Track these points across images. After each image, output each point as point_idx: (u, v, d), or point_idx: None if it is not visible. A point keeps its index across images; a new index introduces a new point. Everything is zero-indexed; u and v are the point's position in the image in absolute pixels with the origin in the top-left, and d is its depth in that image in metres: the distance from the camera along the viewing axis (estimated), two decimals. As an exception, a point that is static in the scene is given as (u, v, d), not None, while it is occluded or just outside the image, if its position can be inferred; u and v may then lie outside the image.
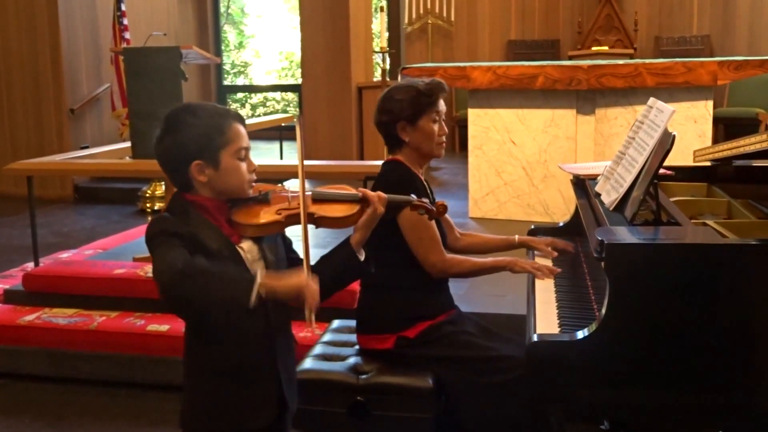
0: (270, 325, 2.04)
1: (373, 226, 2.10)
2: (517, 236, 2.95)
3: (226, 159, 1.98)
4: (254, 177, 2.06)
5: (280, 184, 2.18)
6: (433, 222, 2.64)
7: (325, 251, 2.16)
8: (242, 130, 2.02)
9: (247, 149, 2.03)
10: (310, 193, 2.06)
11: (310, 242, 1.96)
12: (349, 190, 2.12)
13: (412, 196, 2.25)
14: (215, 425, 2.06)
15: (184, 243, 1.88)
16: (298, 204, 1.98)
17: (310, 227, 2.00)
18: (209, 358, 2.03)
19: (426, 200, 2.28)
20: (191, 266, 1.82)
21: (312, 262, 1.98)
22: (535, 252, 2.93)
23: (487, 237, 3.01)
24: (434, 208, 2.27)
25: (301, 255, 1.99)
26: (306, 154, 8.66)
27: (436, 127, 2.69)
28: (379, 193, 2.10)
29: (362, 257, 2.11)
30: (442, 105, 2.71)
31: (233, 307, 1.83)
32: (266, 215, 2.00)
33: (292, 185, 2.14)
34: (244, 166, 2.01)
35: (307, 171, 2.09)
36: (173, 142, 1.97)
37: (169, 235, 1.89)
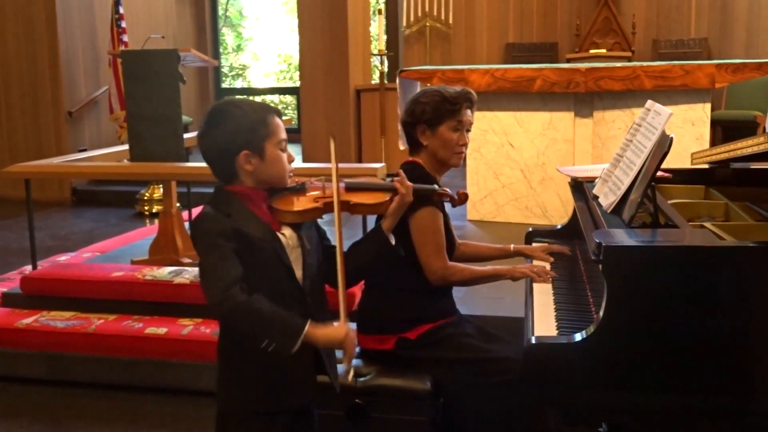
0: (308, 309, 2.13)
1: (402, 212, 2.29)
2: (512, 245, 2.94)
3: (270, 149, 2.11)
4: (292, 167, 2.19)
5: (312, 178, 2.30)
6: (443, 229, 2.64)
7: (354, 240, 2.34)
8: (281, 122, 2.16)
9: (286, 141, 2.17)
10: (343, 184, 2.23)
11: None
12: (378, 181, 2.35)
13: (435, 186, 2.47)
14: (254, 403, 2.14)
15: (231, 242, 2.01)
16: (332, 193, 2.14)
17: (345, 214, 2.18)
18: (248, 339, 2.09)
19: (448, 189, 2.51)
20: (247, 304, 1.96)
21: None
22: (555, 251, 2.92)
23: (482, 246, 3.00)
24: (456, 197, 2.53)
25: (334, 242, 2.17)
26: (304, 157, 8.62)
27: (456, 135, 2.67)
28: (407, 182, 2.29)
29: (393, 241, 2.28)
30: (467, 115, 2.69)
31: (275, 350, 1.97)
32: (305, 203, 2.15)
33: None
34: (285, 156, 2.15)
35: (306, 172, 2.20)
36: (222, 134, 2.09)
37: (216, 235, 2.02)
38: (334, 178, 2.15)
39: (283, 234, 2.13)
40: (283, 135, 2.15)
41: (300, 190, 2.20)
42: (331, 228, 2.23)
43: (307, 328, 1.96)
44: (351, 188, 2.25)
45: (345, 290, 2.06)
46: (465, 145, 2.72)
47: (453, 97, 2.67)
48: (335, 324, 2.01)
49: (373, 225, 2.42)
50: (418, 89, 4.20)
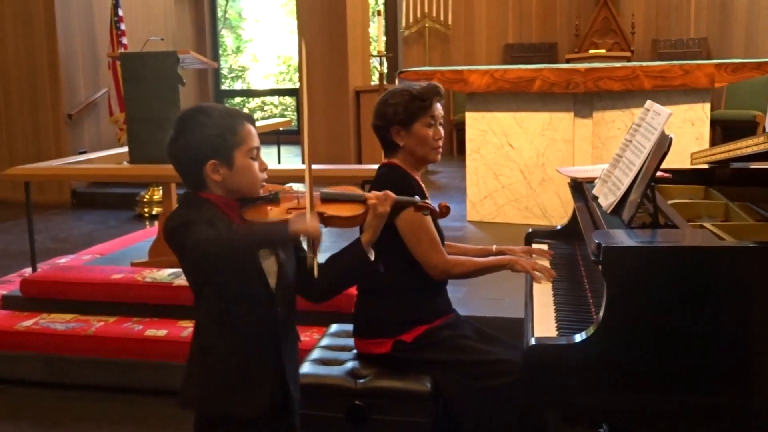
0: (277, 318, 2.10)
1: (381, 225, 2.16)
2: (494, 246, 2.92)
3: (239, 158, 2.04)
4: (265, 176, 2.13)
5: (288, 185, 2.23)
6: (432, 224, 2.63)
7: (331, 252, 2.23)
8: (253, 130, 2.09)
9: (259, 149, 2.10)
10: (318, 193, 2.12)
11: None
12: (354, 191, 2.19)
13: (416, 197, 2.34)
14: (211, 405, 2.09)
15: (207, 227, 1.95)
16: (306, 204, 2.03)
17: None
18: (219, 341, 2.07)
19: (429, 201, 2.38)
20: (233, 232, 1.94)
21: (321, 261, 2.09)
22: (534, 255, 2.92)
23: (466, 247, 2.98)
24: (437, 209, 2.39)
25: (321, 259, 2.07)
26: (303, 158, 8.61)
27: (431, 131, 2.66)
28: (386, 192, 2.17)
29: (372, 257, 2.17)
30: (437, 109, 2.68)
31: (276, 242, 1.99)
32: (277, 214, 2.06)
33: (298, 187, 2.20)
34: (256, 165, 2.08)
35: (282, 174, 2.14)
36: (188, 143, 2.04)
37: (190, 223, 1.95)
38: (307, 171, 2.04)
39: None
40: (255, 143, 2.07)
41: (273, 200, 2.11)
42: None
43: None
44: (327, 199, 2.13)
45: (312, 179, 2.01)
46: (441, 138, 2.71)
47: (422, 93, 2.65)
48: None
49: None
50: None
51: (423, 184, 2.75)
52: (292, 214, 2.04)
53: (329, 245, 2.34)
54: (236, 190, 2.07)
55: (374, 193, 2.17)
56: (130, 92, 4.99)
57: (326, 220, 2.08)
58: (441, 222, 2.73)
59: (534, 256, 2.88)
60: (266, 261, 2.09)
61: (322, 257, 2.10)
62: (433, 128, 2.67)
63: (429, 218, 2.62)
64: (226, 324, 2.07)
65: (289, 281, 2.15)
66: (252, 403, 2.08)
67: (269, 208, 2.09)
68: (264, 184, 2.12)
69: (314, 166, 5.01)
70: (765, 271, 1.93)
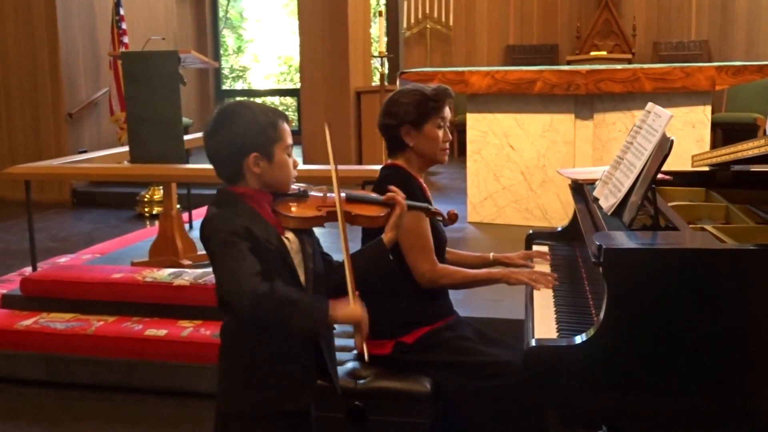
0: None
1: (402, 225, 2.25)
2: (492, 254, 2.92)
3: (278, 153, 2.10)
4: (296, 173, 2.19)
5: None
6: (429, 231, 2.63)
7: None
8: (288, 128, 2.15)
9: (292, 146, 2.16)
10: (344, 194, 2.21)
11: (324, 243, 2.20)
12: (375, 195, 2.32)
13: (428, 204, 2.44)
14: (255, 406, 2.12)
15: (245, 241, 2.00)
16: (334, 202, 2.13)
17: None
18: (253, 341, 2.09)
19: (440, 208, 2.49)
20: (272, 293, 1.94)
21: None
22: (534, 258, 2.92)
23: (462, 254, 2.97)
24: (447, 217, 2.51)
25: (335, 257, 2.16)
26: (304, 159, 8.59)
27: (440, 132, 2.68)
28: (401, 195, 2.25)
29: (391, 257, 2.25)
30: (447, 111, 2.69)
31: (308, 334, 2.03)
32: (308, 210, 2.15)
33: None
34: (291, 161, 2.14)
35: (305, 175, 2.20)
36: (232, 134, 2.08)
37: (230, 234, 1.99)
38: (335, 184, 2.14)
39: (287, 238, 2.12)
40: (290, 140, 2.14)
41: (302, 196, 2.19)
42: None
43: (330, 306, 1.98)
44: (351, 199, 2.24)
45: (352, 270, 2.06)
46: (449, 140, 2.73)
47: (434, 94, 2.66)
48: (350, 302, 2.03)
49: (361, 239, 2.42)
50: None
51: (425, 186, 2.75)
52: (323, 211, 2.14)
53: (329, 245, 2.35)
54: (272, 184, 2.12)
55: (389, 194, 2.25)
56: (131, 91, 4.99)
57: (353, 219, 2.20)
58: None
59: (534, 260, 2.88)
60: (295, 258, 2.13)
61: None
62: (442, 130, 2.68)
63: (427, 224, 2.63)
64: (263, 324, 2.08)
65: (317, 276, 2.18)
66: (302, 396, 2.13)
67: (300, 203, 2.17)
68: (294, 181, 2.19)
69: (314, 167, 5.01)
70: (765, 273, 1.93)
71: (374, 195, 2.30)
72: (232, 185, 2.13)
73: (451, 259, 2.88)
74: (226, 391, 2.16)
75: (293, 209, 2.14)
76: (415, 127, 2.65)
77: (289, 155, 2.14)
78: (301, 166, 2.32)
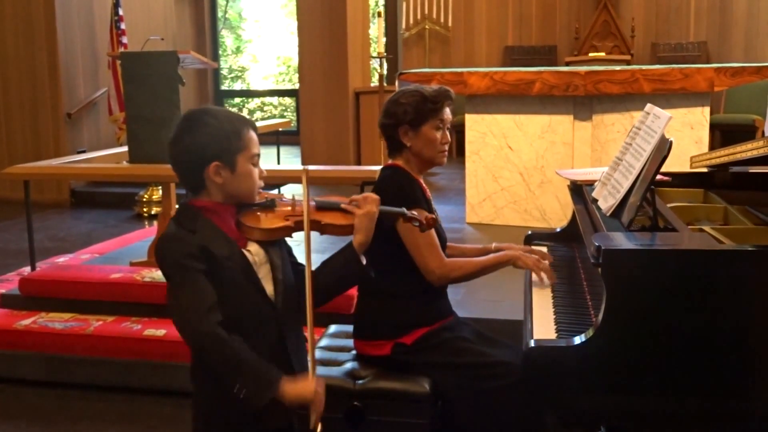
0: (282, 325, 2.09)
1: (371, 226, 2.15)
2: (494, 243, 2.91)
3: (241, 163, 2.04)
4: (263, 183, 2.12)
5: (277, 191, 2.22)
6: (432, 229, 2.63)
7: (323, 257, 2.21)
8: (255, 137, 2.09)
9: (259, 156, 2.09)
10: (313, 202, 2.13)
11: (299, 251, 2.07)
12: (342, 199, 2.19)
13: (403, 209, 2.31)
14: (231, 427, 2.07)
15: (200, 263, 1.94)
16: (303, 211, 2.03)
17: (314, 235, 2.06)
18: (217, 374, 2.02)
19: (416, 212, 2.35)
20: (221, 343, 1.90)
21: (313, 267, 2.08)
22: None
23: (464, 247, 2.96)
24: (424, 222, 2.33)
25: (303, 261, 2.06)
26: (303, 159, 8.60)
27: (438, 134, 2.66)
28: (367, 194, 2.18)
29: (364, 261, 2.16)
30: (447, 113, 2.68)
31: (245, 394, 1.91)
32: (275, 221, 2.08)
33: (287, 193, 2.19)
34: (256, 171, 2.08)
35: (275, 175, 2.13)
36: (193, 142, 2.02)
37: (184, 257, 1.94)
38: (305, 197, 2.04)
39: (248, 251, 2.06)
40: (257, 150, 2.07)
41: (269, 206, 2.12)
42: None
43: (281, 382, 1.92)
44: (321, 207, 2.15)
45: (314, 339, 2.01)
46: (448, 142, 2.71)
47: (433, 96, 2.64)
48: (306, 376, 1.98)
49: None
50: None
51: (425, 186, 2.75)
52: (290, 221, 2.06)
53: (328, 247, 2.34)
54: (235, 194, 2.06)
55: (354, 196, 2.18)
56: (130, 92, 4.99)
57: (322, 228, 2.11)
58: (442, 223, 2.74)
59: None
60: (260, 270, 2.07)
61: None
62: (441, 131, 2.67)
63: None
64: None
65: (288, 286, 2.13)
66: (277, 413, 2.03)
67: (266, 214, 2.11)
68: (260, 191, 2.12)
69: (313, 167, 5.02)
70: (764, 274, 1.94)
71: (341, 199, 2.19)
72: (196, 195, 2.07)
73: (453, 254, 2.88)
74: (198, 413, 2.12)
75: (258, 221, 2.07)
76: (412, 128, 2.65)
77: (255, 165, 2.07)
78: (273, 167, 2.26)
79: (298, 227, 2.07)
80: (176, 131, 2.06)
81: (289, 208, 2.13)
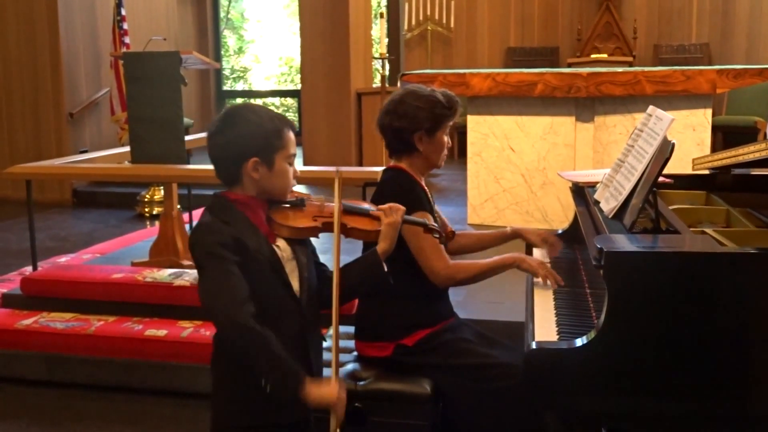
0: (305, 322, 2.13)
1: (396, 235, 2.21)
2: (509, 227, 2.92)
3: (279, 162, 2.09)
4: (296, 183, 2.18)
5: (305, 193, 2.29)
6: None
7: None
8: (293, 137, 2.14)
9: (295, 156, 2.15)
10: (341, 205, 2.17)
11: (320, 249, 2.16)
12: (371, 206, 2.28)
13: (425, 220, 2.38)
14: (251, 419, 2.10)
15: (233, 253, 1.99)
16: (331, 213, 2.11)
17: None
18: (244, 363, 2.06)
19: (436, 225, 2.41)
20: (260, 336, 1.93)
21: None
22: (549, 241, 2.90)
23: (480, 234, 2.97)
24: (443, 234, 2.44)
25: (331, 267, 2.13)
26: (305, 160, 8.60)
27: (447, 139, 2.70)
28: (391, 204, 2.23)
29: (385, 268, 2.21)
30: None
31: (272, 387, 1.94)
32: (304, 220, 2.14)
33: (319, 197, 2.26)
34: (291, 171, 2.13)
35: (305, 176, 2.18)
36: (236, 136, 2.07)
37: (218, 246, 1.99)
38: (336, 199, 2.11)
39: (277, 246, 2.11)
40: (294, 150, 2.13)
41: (299, 205, 2.18)
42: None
43: (306, 382, 1.95)
44: (348, 211, 2.21)
45: (338, 343, 2.04)
46: (449, 146, 2.75)
47: (448, 102, 2.65)
48: (329, 379, 2.01)
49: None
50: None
51: (427, 189, 2.75)
52: (318, 222, 2.12)
53: (327, 247, 2.35)
54: (269, 191, 2.12)
55: (381, 207, 2.23)
56: (132, 92, 5.00)
57: (348, 231, 2.17)
58: (443, 216, 2.75)
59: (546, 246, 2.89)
60: (287, 266, 2.12)
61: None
62: (448, 136, 2.71)
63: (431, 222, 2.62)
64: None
65: (311, 285, 2.18)
66: (297, 406, 2.05)
67: (296, 213, 2.16)
68: (293, 190, 2.18)
69: (314, 168, 5.02)
70: (765, 277, 1.94)
71: (370, 206, 2.26)
72: (230, 187, 2.12)
73: (467, 243, 2.88)
74: (219, 404, 2.15)
75: (288, 218, 2.13)
76: (428, 134, 2.65)
77: (291, 164, 2.13)
78: (300, 167, 2.31)
79: (325, 228, 2.14)
80: (218, 124, 2.10)
81: (318, 208, 2.19)
